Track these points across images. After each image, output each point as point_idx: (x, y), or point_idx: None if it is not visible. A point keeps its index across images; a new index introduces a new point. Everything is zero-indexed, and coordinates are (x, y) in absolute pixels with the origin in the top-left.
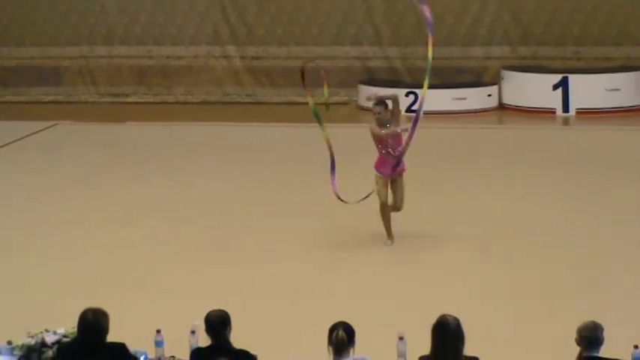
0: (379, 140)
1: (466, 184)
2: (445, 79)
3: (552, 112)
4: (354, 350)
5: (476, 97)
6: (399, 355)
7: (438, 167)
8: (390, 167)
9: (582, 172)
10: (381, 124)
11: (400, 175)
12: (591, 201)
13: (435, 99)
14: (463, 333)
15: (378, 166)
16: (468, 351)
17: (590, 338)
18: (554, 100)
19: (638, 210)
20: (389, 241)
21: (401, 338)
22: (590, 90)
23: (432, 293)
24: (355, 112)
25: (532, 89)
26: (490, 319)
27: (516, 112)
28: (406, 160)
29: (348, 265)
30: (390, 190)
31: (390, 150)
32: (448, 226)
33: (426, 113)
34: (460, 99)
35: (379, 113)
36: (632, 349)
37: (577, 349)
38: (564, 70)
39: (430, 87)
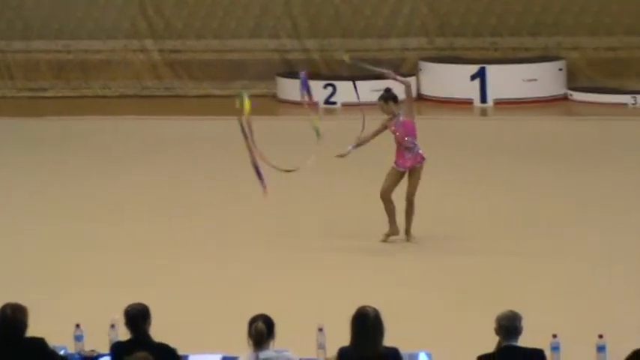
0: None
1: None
2: (363, 71)
3: (470, 102)
4: (274, 342)
5: (394, 89)
6: (319, 346)
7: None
8: (407, 159)
9: (501, 162)
10: (390, 118)
11: (419, 166)
12: (511, 189)
13: (351, 90)
14: (382, 323)
15: (396, 160)
16: (389, 341)
17: (508, 327)
18: (472, 90)
19: (556, 197)
20: (387, 236)
21: (320, 330)
22: (507, 80)
23: (352, 285)
24: (275, 105)
25: (450, 80)
26: (412, 309)
27: (434, 103)
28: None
29: (275, 258)
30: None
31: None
32: (378, 215)
33: (344, 105)
34: (378, 90)
35: (380, 107)
36: (550, 338)
37: (496, 339)
38: (482, 60)
39: (348, 79)
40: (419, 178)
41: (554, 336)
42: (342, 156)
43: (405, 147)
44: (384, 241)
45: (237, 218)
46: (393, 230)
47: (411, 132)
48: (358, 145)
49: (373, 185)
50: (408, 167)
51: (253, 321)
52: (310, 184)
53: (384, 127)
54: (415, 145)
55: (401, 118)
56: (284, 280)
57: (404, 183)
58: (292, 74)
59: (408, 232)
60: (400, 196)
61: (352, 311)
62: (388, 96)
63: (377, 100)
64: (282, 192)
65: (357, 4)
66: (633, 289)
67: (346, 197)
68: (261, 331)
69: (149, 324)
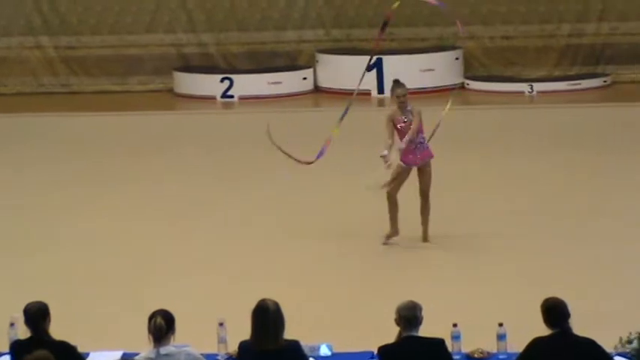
0: (396, 127)
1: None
2: (260, 64)
3: (368, 93)
4: (174, 337)
5: (291, 81)
6: (220, 340)
7: (254, 153)
8: (416, 156)
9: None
10: (404, 109)
11: (428, 162)
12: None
13: (249, 84)
14: (283, 317)
15: (403, 157)
16: (289, 334)
17: (408, 318)
18: (369, 81)
19: (457, 184)
20: (388, 238)
21: (221, 324)
22: (404, 70)
23: (252, 279)
24: (171, 100)
25: (346, 71)
26: (312, 302)
27: (332, 95)
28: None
29: (173, 251)
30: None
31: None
32: (270, 212)
33: (241, 98)
34: (275, 83)
35: (403, 96)
36: (451, 327)
37: (397, 329)
38: (378, 51)
39: (245, 72)
40: (430, 174)
41: (455, 325)
42: (386, 162)
43: (416, 142)
44: (385, 243)
45: (131, 212)
46: (394, 231)
47: (420, 127)
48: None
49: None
50: (417, 164)
51: (152, 316)
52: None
53: (392, 122)
54: (424, 140)
55: (409, 108)
56: (181, 273)
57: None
58: (188, 68)
59: (425, 233)
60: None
61: (252, 306)
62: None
63: (394, 88)
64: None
65: None
66: (531, 277)
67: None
68: (160, 327)
69: (49, 322)
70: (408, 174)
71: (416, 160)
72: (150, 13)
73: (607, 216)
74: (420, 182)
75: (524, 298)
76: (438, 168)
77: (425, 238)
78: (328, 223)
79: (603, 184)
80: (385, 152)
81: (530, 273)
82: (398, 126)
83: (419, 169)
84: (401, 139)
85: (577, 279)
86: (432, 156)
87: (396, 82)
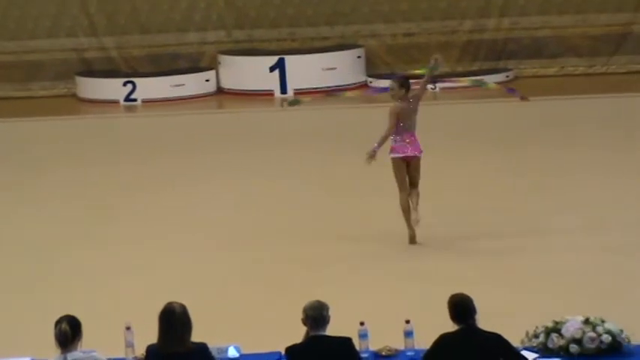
0: (396, 118)
1: (193, 172)
2: (162, 67)
3: (270, 94)
4: (81, 343)
5: (194, 83)
6: (127, 344)
7: (163, 158)
8: (405, 148)
9: (307, 151)
10: (406, 100)
11: (417, 157)
12: (324, 179)
13: (152, 87)
14: (189, 319)
15: (393, 147)
16: (197, 337)
17: (315, 317)
18: (272, 82)
19: (361, 185)
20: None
21: (128, 328)
22: (306, 70)
23: (156, 281)
24: (75, 104)
25: (249, 72)
26: (220, 304)
27: (235, 96)
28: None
29: (80, 257)
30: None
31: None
32: (162, 214)
33: (144, 102)
34: (178, 85)
35: (392, 89)
36: (358, 325)
37: (304, 329)
38: (280, 51)
39: (147, 75)
40: (419, 166)
41: (362, 323)
42: (371, 157)
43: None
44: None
45: (35, 218)
46: (412, 233)
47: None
48: (381, 143)
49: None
50: (409, 155)
51: (58, 322)
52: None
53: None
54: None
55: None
56: (89, 278)
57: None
58: (91, 73)
59: (414, 219)
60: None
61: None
62: (405, 81)
63: (393, 82)
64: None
65: (155, 0)
66: (439, 273)
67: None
68: (66, 332)
69: None
70: (401, 164)
71: (410, 148)
72: (51, 18)
73: (511, 211)
74: (409, 176)
75: (431, 296)
76: (340, 167)
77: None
78: (238, 229)
79: (508, 179)
80: (375, 146)
81: (439, 271)
82: (404, 115)
83: (408, 165)
84: (403, 131)
85: (483, 274)
86: (420, 152)
87: (396, 79)
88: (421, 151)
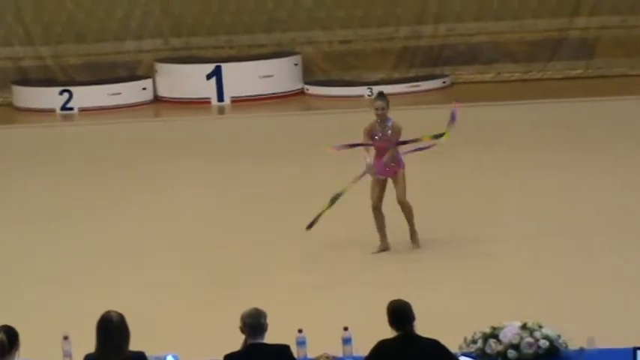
0: (372, 139)
1: (128, 181)
2: (99, 75)
3: (208, 101)
4: (18, 353)
5: (131, 92)
6: (65, 354)
7: (97, 166)
8: (387, 167)
9: (242, 158)
10: (384, 122)
11: (395, 175)
12: (257, 185)
13: (89, 95)
14: (127, 328)
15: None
16: (136, 346)
17: (253, 325)
18: (209, 89)
19: (300, 188)
20: (378, 248)
21: (65, 338)
22: (243, 78)
23: (93, 290)
24: (11, 113)
25: (186, 80)
26: (158, 310)
27: (172, 104)
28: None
29: (16, 264)
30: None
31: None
32: (125, 221)
33: (81, 110)
34: (115, 94)
35: (382, 109)
36: (296, 332)
37: (242, 337)
38: (217, 59)
39: (84, 83)
40: (404, 181)
41: (300, 331)
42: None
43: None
44: (375, 253)
45: None
46: (384, 245)
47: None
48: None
49: None
50: (389, 175)
51: None
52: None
53: (369, 134)
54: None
55: (390, 123)
56: (31, 289)
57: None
58: (27, 82)
59: (412, 237)
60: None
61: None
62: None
63: (375, 100)
64: None
65: (90, 8)
66: (377, 278)
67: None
68: (2, 342)
69: None
70: (383, 184)
71: (384, 170)
72: None
73: (453, 215)
74: (396, 190)
75: (372, 302)
76: (279, 173)
77: (414, 243)
78: (174, 236)
79: (448, 182)
80: (369, 160)
81: (380, 276)
82: (375, 137)
83: (392, 178)
84: (376, 151)
85: (425, 279)
86: (403, 166)
87: (379, 95)
88: (395, 172)
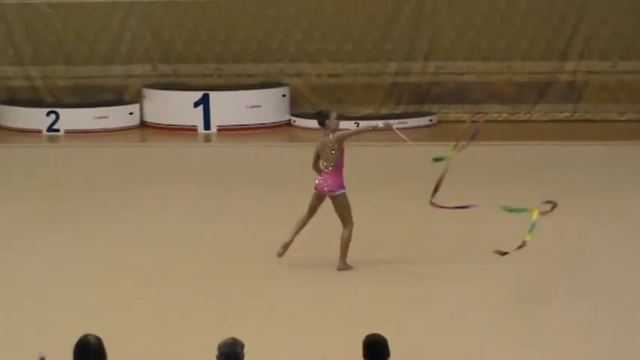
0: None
1: (115, 204)
2: (86, 98)
3: (194, 129)
4: None
5: (117, 116)
6: None
7: (78, 189)
8: (323, 181)
9: (226, 187)
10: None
11: (332, 196)
12: (237, 213)
13: (76, 118)
14: (104, 352)
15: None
16: None
17: (229, 354)
18: (196, 117)
19: (281, 216)
20: (281, 250)
21: (42, 359)
22: (231, 107)
23: (72, 311)
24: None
25: (173, 107)
26: (135, 336)
27: (159, 130)
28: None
29: None
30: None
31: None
32: (108, 245)
33: (67, 132)
34: (102, 117)
35: (328, 125)
36: None
37: None
38: (205, 87)
39: (71, 106)
40: (341, 204)
41: None
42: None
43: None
44: (281, 253)
45: None
46: (288, 242)
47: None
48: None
49: None
50: (324, 191)
51: None
52: None
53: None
54: (333, 167)
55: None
56: (8, 309)
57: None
58: (14, 102)
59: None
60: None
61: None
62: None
63: (325, 116)
64: None
65: (80, 30)
66: (355, 316)
67: None
68: None
69: None
70: (320, 200)
71: (323, 185)
72: None
73: (433, 247)
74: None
75: (347, 337)
76: (259, 204)
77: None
78: (156, 262)
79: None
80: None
81: (354, 312)
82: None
83: (330, 197)
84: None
85: (394, 313)
86: (335, 189)
87: (327, 113)
88: (332, 190)
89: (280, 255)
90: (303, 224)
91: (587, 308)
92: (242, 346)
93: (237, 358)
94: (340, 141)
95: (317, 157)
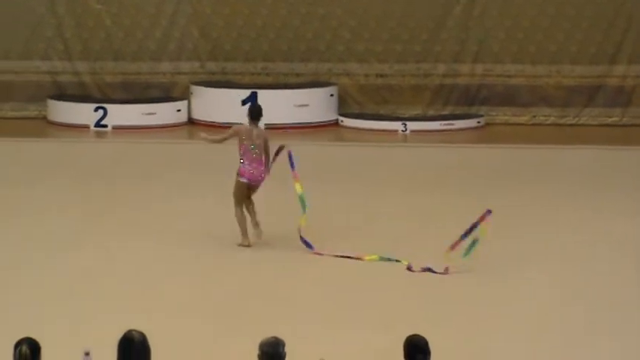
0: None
1: (158, 198)
2: (134, 94)
3: None
4: None
5: (165, 112)
6: None
7: (127, 184)
8: (249, 171)
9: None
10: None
11: (255, 186)
12: (284, 210)
13: (123, 114)
14: (149, 348)
15: (241, 169)
16: None
17: (271, 354)
18: (243, 115)
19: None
20: (246, 241)
21: (87, 354)
22: (278, 105)
23: (118, 308)
24: (45, 127)
25: (221, 104)
26: (177, 334)
27: (206, 128)
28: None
29: (40, 278)
30: None
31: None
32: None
33: (115, 128)
34: (150, 114)
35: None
36: None
37: None
38: (253, 85)
39: (119, 102)
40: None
41: None
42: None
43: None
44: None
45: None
46: (246, 241)
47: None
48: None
49: None
50: (251, 181)
51: (18, 345)
52: None
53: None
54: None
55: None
56: (54, 303)
57: None
58: (63, 97)
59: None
60: None
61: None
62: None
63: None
64: None
65: (129, 27)
66: (379, 321)
67: None
68: (26, 356)
69: None
70: (247, 189)
71: (251, 175)
72: (24, 39)
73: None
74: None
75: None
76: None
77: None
78: (201, 258)
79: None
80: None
81: (379, 315)
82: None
83: (255, 185)
84: (242, 153)
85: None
86: (256, 180)
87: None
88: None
89: (248, 245)
90: (251, 213)
91: None
92: (283, 345)
93: (279, 357)
94: (266, 140)
95: (231, 137)
